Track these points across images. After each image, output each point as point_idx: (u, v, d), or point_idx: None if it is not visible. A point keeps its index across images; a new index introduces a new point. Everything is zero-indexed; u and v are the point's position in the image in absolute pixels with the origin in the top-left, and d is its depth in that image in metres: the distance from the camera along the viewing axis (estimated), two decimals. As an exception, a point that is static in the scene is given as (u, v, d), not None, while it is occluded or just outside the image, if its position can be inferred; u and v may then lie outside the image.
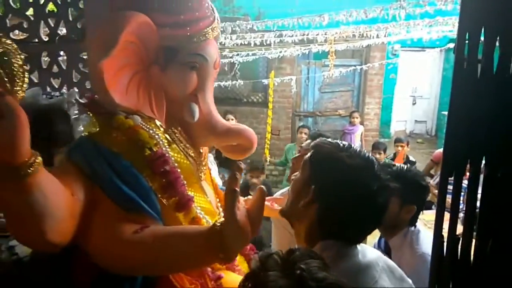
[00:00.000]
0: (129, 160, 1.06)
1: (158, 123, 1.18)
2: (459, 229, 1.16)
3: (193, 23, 1.14)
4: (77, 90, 2.19)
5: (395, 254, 1.75)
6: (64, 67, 2.12)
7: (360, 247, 1.04)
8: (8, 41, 0.91)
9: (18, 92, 0.91)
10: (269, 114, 5.94)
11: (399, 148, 4.94)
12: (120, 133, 1.09)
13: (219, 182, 3.04)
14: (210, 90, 1.26)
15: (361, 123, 6.67)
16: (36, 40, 2.04)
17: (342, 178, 0.98)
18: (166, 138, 1.18)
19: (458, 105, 0.93)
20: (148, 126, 1.14)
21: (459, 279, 1.09)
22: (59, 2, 2.04)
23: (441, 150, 5.22)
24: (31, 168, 0.83)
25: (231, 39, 5.19)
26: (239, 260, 1.27)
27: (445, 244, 1.12)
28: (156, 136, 1.14)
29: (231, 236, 0.94)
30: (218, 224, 0.97)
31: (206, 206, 1.23)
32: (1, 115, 0.80)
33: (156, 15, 1.09)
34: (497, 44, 0.90)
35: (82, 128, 2.41)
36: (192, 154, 1.25)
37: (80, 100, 2.20)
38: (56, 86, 2.13)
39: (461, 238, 1.10)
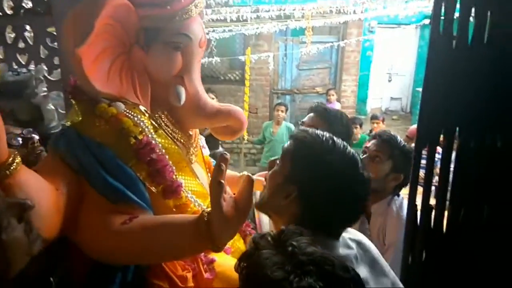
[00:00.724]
0: (114, 150, 1.04)
1: (142, 108, 1.14)
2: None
3: (174, 0, 1.08)
4: (45, 66, 2.10)
5: (374, 219, 1.78)
6: (31, 42, 2.02)
7: (342, 238, 1.03)
8: None
9: None
10: (246, 92, 5.89)
11: (375, 124, 5.02)
12: (103, 122, 1.05)
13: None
14: (196, 71, 1.21)
15: (338, 100, 6.71)
16: (0, 14, 1.93)
17: (327, 178, 0.95)
18: (151, 124, 1.14)
19: (433, 77, 0.93)
20: (132, 113, 1.10)
21: (432, 247, 1.13)
22: (23, -27, 1.93)
23: (415, 126, 5.35)
24: (10, 169, 0.82)
25: (206, 13, 5.06)
26: (235, 238, 1.26)
27: (418, 213, 1.15)
28: (141, 123, 1.10)
29: (218, 228, 0.93)
30: (206, 214, 0.96)
31: (198, 189, 1.21)
32: None
33: None
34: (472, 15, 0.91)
35: (52, 107, 2.33)
36: (181, 138, 1.21)
37: (49, 77, 2.12)
38: (23, 63, 2.05)
39: (434, 208, 1.13)
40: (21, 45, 2.04)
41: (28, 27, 2.05)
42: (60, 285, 1.06)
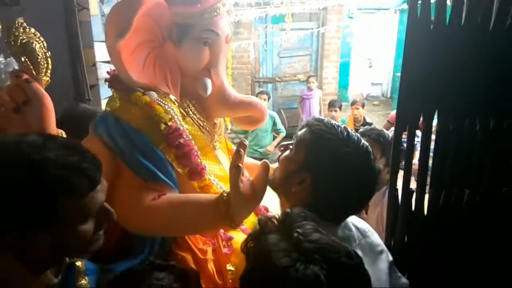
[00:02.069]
0: (146, 134, 1.15)
1: (172, 98, 1.25)
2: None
3: (204, 0, 1.17)
4: (14, 59, 2.03)
5: (372, 210, 1.82)
6: (-1, 34, 1.94)
7: (345, 222, 1.05)
8: (32, 30, 0.98)
9: (43, 78, 1.00)
10: (228, 80, 5.82)
11: (355, 110, 5.04)
12: (138, 109, 1.16)
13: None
14: (222, 64, 1.30)
15: (320, 87, 6.71)
16: (-36, 4, 1.84)
17: (341, 169, 0.97)
18: (180, 112, 1.25)
19: (412, 59, 0.92)
20: (163, 102, 1.21)
21: (413, 231, 1.13)
22: (-14, -40, 1.84)
23: (395, 111, 5.41)
24: None
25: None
26: (253, 220, 1.32)
27: (399, 197, 1.15)
28: (171, 111, 1.20)
29: (235, 206, 1.03)
30: (225, 195, 1.07)
31: (220, 173, 1.32)
32: (28, 100, 0.92)
33: None
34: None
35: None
36: (206, 126, 1.32)
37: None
38: (-9, 55, 1.96)
39: (415, 191, 1.14)
40: (-11, 37, 1.95)
41: (-5, 18, 1.96)
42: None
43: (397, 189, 1.16)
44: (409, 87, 0.95)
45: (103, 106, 2.15)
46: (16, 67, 2.02)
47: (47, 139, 0.76)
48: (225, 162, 1.39)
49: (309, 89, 6.20)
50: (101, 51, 2.09)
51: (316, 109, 6.21)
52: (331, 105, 5.17)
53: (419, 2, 0.89)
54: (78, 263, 0.94)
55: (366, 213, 1.86)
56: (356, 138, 1.00)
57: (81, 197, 0.75)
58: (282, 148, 1.15)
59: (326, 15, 6.96)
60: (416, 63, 0.92)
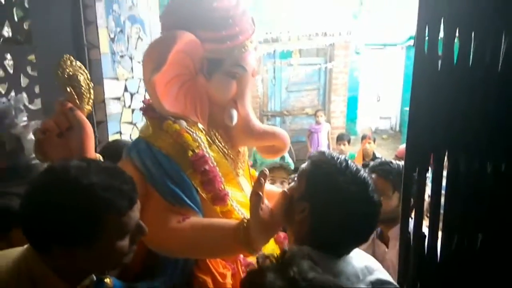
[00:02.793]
0: (175, 159, 1.22)
1: (200, 126, 1.32)
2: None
3: (234, 37, 1.25)
4: (25, 95, 2.06)
5: (393, 244, 1.78)
6: (10, 71, 1.98)
7: (349, 256, 1.04)
8: (78, 63, 1.09)
9: (86, 107, 1.10)
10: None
11: (367, 145, 5.00)
12: (168, 136, 1.24)
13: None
14: (248, 97, 1.38)
15: (328, 121, 6.72)
16: (-22, 42, 1.90)
17: (336, 201, 1.00)
18: (207, 139, 1.32)
19: (419, 98, 0.90)
20: (192, 130, 1.28)
21: (425, 277, 1.07)
22: (3, 2, 1.91)
23: (404, 146, 5.35)
24: None
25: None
26: (274, 249, 1.39)
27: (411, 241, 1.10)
28: (199, 139, 1.28)
29: (254, 233, 1.07)
30: (245, 221, 1.12)
31: (242, 200, 1.36)
32: (71, 126, 1.02)
33: (201, 32, 1.22)
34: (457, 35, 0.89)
35: (33, 137, 2.26)
36: (231, 154, 1.38)
37: (29, 106, 2.07)
38: (3, 92, 2.00)
39: (427, 235, 1.09)
40: (1, 73, 1.99)
41: (8, 56, 2.01)
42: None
43: (409, 232, 1.10)
44: (418, 126, 0.92)
45: (110, 142, 2.16)
46: (26, 103, 2.05)
47: (90, 164, 0.85)
48: (248, 189, 1.42)
49: (317, 123, 6.20)
50: (110, 88, 2.12)
51: (324, 142, 6.19)
52: (340, 138, 5.16)
53: (426, 38, 0.88)
54: (107, 280, 1.03)
55: (387, 247, 1.80)
56: (354, 169, 1.03)
57: (122, 215, 0.84)
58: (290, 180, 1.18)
59: (333, 50, 7.07)
60: (424, 102, 0.90)
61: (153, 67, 1.14)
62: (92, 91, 1.12)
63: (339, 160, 1.04)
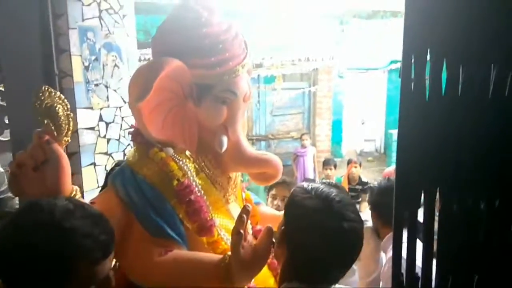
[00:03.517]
0: (159, 189, 1.19)
1: (188, 153, 1.29)
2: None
3: (224, 63, 1.21)
4: (-7, 125, 1.95)
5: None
6: (-23, 101, 1.87)
7: None
8: (57, 94, 1.06)
9: (64, 139, 1.06)
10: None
11: (353, 169, 4.96)
12: (154, 164, 1.22)
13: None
14: (239, 122, 1.33)
15: (313, 144, 6.69)
16: None
17: (302, 220, 0.98)
18: (195, 167, 1.29)
19: (407, 132, 0.84)
20: (178, 158, 1.26)
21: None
22: (-31, 29, 1.82)
23: (390, 168, 5.33)
24: None
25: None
26: (267, 275, 1.36)
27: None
28: (185, 167, 1.25)
29: (236, 271, 1.05)
30: (227, 258, 1.09)
31: (231, 228, 1.26)
32: (47, 159, 0.99)
33: (189, 58, 1.19)
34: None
35: (1, 169, 2.13)
36: (220, 181, 1.34)
37: (-2, 137, 1.96)
38: (-32, 123, 1.89)
39: (420, 277, 1.01)
40: (-33, 104, 1.89)
41: (-26, 85, 1.91)
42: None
43: (402, 274, 1.03)
44: (407, 163, 0.85)
45: (84, 174, 2.04)
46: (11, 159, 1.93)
47: (76, 207, 0.86)
48: None
49: (303, 146, 6.17)
50: (83, 118, 2.02)
51: (310, 166, 6.13)
52: (326, 163, 5.12)
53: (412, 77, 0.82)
54: None
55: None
56: (322, 189, 1.00)
57: (95, 264, 0.84)
58: None
59: (317, 75, 7.13)
60: (413, 134, 0.84)
61: (139, 93, 1.11)
62: (71, 122, 1.08)
63: (310, 186, 1.02)
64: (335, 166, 5.08)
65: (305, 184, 1.06)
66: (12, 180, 1.04)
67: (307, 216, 0.97)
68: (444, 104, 0.87)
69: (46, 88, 1.05)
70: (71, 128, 1.09)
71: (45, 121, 1.03)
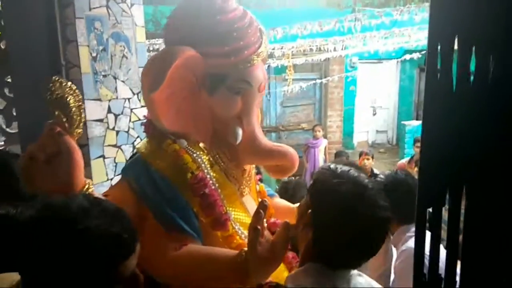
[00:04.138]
0: (173, 182, 1.17)
1: (202, 146, 1.27)
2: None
3: (238, 52, 1.18)
4: (2, 117, 1.94)
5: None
6: (-15, 93, 1.86)
7: (354, 278, 1.03)
8: (68, 84, 1.01)
9: (76, 131, 1.02)
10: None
11: (365, 161, 4.89)
12: (167, 156, 1.19)
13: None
14: (254, 113, 1.30)
15: (324, 136, 6.62)
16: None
17: (333, 205, 0.97)
18: (209, 160, 1.26)
19: (433, 126, 0.78)
20: (192, 150, 1.23)
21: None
22: (-24, 20, 1.79)
23: (403, 160, 5.25)
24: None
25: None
26: (281, 269, 1.31)
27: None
28: (199, 160, 1.23)
29: (253, 267, 1.02)
30: (243, 254, 1.06)
31: (246, 221, 1.28)
32: (59, 151, 0.95)
33: (203, 47, 1.15)
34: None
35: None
36: (235, 173, 1.31)
37: (6, 129, 1.94)
38: (-23, 115, 1.87)
39: (443, 279, 0.96)
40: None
41: (-18, 77, 1.89)
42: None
43: (424, 274, 0.98)
44: (431, 156, 0.80)
45: (93, 167, 2.02)
46: (4, 126, 1.92)
47: (93, 205, 0.80)
48: (253, 209, 1.32)
49: (315, 137, 6.09)
50: (92, 110, 1.99)
51: (321, 158, 6.06)
52: (338, 155, 5.08)
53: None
54: None
55: None
56: (354, 174, 1.00)
57: (116, 265, 0.80)
58: None
59: (328, 65, 7.03)
60: (438, 129, 0.78)
61: (152, 83, 1.09)
62: (83, 114, 1.05)
63: (341, 167, 1.03)
64: (347, 158, 5.01)
65: (332, 166, 1.05)
66: (24, 173, 1.01)
67: (340, 201, 0.96)
68: (472, 95, 0.80)
69: (57, 79, 1.01)
70: (83, 119, 1.05)
71: (56, 112, 0.99)
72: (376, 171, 5.04)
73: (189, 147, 1.22)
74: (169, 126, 1.16)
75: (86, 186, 1.04)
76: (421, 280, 0.97)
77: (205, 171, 1.22)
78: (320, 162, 6.01)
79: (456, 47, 0.79)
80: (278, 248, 1.04)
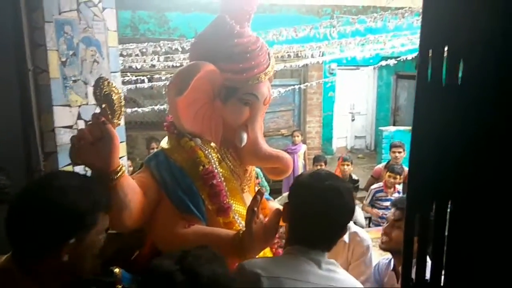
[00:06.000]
0: (187, 172, 1.41)
1: (213, 145, 1.51)
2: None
3: (249, 70, 1.42)
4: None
5: None
6: None
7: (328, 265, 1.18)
8: (113, 84, 1.23)
9: (116, 121, 1.22)
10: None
11: (345, 166, 4.90)
12: (184, 151, 1.44)
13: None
14: (258, 122, 1.55)
15: (304, 141, 6.61)
16: None
17: (298, 190, 1.22)
18: (218, 157, 1.50)
19: (422, 137, 0.75)
20: (205, 147, 1.47)
21: None
22: None
23: (380, 166, 5.27)
24: (118, 175, 1.19)
25: (159, 60, 4.93)
26: (266, 251, 1.53)
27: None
28: (210, 156, 1.46)
29: (247, 243, 1.27)
30: (241, 233, 1.32)
31: (244, 213, 1.44)
32: (102, 136, 1.15)
33: (222, 63, 1.41)
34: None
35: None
36: (238, 171, 1.55)
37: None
38: None
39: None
40: None
41: None
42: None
43: (412, 279, 0.96)
44: (419, 167, 0.76)
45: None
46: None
47: (79, 174, 1.18)
48: None
49: (294, 143, 6.07)
50: (61, 116, 1.89)
51: (300, 163, 6.04)
52: (316, 160, 5.04)
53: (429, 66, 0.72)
54: (116, 270, 1.29)
55: (398, 280, 1.78)
56: (324, 174, 1.21)
57: (105, 213, 1.08)
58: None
59: (307, 71, 7.05)
60: (428, 140, 0.75)
61: (178, 89, 1.32)
62: (123, 108, 1.24)
63: (320, 171, 1.27)
64: (325, 163, 5.01)
65: (310, 172, 1.27)
66: (72, 150, 1.19)
67: (301, 184, 1.20)
68: (462, 104, 0.77)
69: (105, 79, 1.21)
70: (123, 112, 1.24)
71: (103, 106, 1.19)
72: (354, 176, 5.06)
73: (202, 145, 1.46)
74: (188, 127, 1.41)
75: (120, 166, 1.20)
76: (409, 284, 0.95)
77: (214, 166, 1.45)
78: (300, 168, 5.99)
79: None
80: (270, 228, 1.28)
